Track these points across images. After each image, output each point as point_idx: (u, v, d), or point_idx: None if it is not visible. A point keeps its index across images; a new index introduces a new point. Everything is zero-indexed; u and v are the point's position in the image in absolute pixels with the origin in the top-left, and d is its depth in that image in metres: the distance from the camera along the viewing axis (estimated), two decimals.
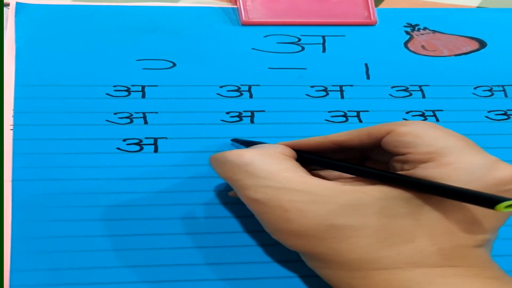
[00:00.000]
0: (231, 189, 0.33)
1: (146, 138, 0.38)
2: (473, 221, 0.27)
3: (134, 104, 0.40)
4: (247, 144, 0.36)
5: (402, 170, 0.29)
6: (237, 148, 0.36)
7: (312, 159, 0.33)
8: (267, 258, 0.32)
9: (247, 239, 0.32)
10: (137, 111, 0.40)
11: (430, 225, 0.27)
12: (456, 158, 0.28)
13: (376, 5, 0.53)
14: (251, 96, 0.42)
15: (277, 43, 0.48)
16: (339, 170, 0.32)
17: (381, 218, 0.27)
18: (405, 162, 0.29)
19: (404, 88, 0.44)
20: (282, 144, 0.33)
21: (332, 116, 0.41)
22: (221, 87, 0.43)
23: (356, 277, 0.27)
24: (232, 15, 0.50)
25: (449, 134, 0.29)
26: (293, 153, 0.32)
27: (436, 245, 0.27)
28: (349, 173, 0.31)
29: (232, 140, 0.38)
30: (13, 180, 0.34)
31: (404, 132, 0.29)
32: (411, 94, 0.43)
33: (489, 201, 0.25)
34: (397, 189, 0.28)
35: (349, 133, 0.32)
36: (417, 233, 0.27)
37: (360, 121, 0.41)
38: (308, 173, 0.30)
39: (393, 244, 0.27)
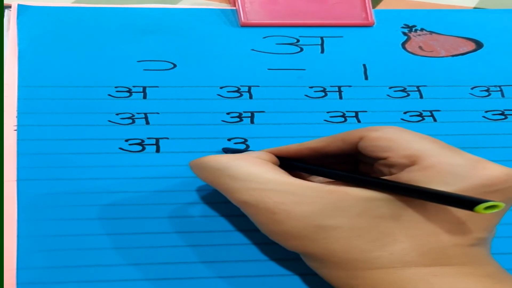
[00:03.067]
0: None
1: (148, 138, 0.38)
2: (461, 220, 0.27)
3: (135, 104, 0.41)
4: (237, 152, 0.36)
5: (390, 174, 0.29)
6: None
7: (294, 165, 0.33)
8: (266, 257, 0.32)
9: (248, 237, 0.33)
10: (138, 112, 0.40)
11: (412, 226, 0.27)
12: (435, 160, 0.28)
13: (374, 6, 0.53)
14: (251, 97, 0.43)
15: (276, 44, 0.48)
16: (319, 175, 0.32)
17: (369, 219, 0.27)
18: (390, 166, 0.29)
19: (402, 88, 0.44)
20: (263, 151, 0.33)
21: (330, 117, 0.41)
22: (221, 88, 0.43)
23: (353, 276, 0.27)
24: (231, 17, 0.51)
25: (421, 137, 0.30)
26: (274, 159, 0.32)
27: (426, 246, 0.27)
28: (329, 178, 0.31)
29: (223, 149, 0.38)
30: (18, 180, 0.35)
31: (376, 137, 0.30)
32: (408, 95, 0.44)
33: (468, 203, 0.25)
34: (379, 191, 0.28)
35: (325, 140, 0.32)
36: (403, 234, 0.27)
37: (359, 121, 0.41)
38: (289, 175, 0.30)
39: (386, 244, 0.27)
